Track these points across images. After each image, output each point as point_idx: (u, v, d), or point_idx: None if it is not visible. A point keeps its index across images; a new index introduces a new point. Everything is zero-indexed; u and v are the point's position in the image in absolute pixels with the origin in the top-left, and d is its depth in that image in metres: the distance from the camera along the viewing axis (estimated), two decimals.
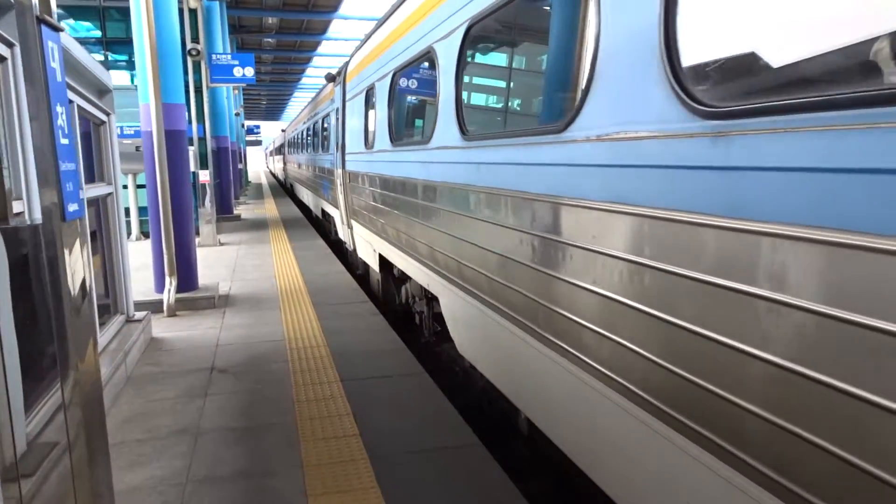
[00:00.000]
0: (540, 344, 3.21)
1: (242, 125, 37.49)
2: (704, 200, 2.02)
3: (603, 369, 2.68)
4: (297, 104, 61.81)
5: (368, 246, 8.18)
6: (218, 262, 10.89)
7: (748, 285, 1.88)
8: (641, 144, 2.35)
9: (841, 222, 1.58)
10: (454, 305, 4.67)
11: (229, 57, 12.82)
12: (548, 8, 3.60)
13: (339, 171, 10.11)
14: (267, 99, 61.30)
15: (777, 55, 1.94)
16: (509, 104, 4.49)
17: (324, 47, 36.22)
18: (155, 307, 7.32)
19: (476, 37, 4.18)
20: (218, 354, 5.76)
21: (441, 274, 4.87)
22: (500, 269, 3.63)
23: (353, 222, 9.20)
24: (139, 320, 6.01)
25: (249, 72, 12.87)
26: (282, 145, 35.55)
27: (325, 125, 12.74)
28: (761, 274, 1.83)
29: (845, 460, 1.61)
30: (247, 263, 10.67)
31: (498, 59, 4.60)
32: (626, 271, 2.46)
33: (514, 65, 4.35)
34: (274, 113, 76.88)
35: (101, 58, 14.14)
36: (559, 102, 3.20)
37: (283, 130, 38.82)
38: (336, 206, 11.08)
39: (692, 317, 2.12)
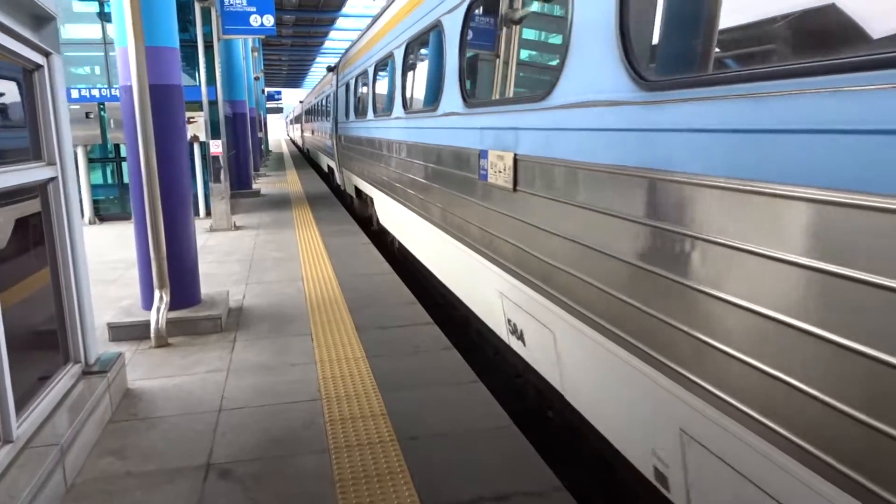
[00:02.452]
0: (414, 214, 6.84)
1: (263, 91, 35.36)
2: None
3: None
4: (320, 70, 59.34)
5: (349, 181, 13.18)
6: (230, 253, 8.85)
7: None
8: None
9: None
10: (379, 201, 9.28)
11: (245, 2, 10.63)
12: None
13: (334, 135, 15.13)
14: (288, 64, 58.94)
15: None
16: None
17: (349, 7, 33.76)
18: (140, 332, 5.31)
19: None
20: (220, 429, 3.72)
21: (374, 186, 9.41)
22: (398, 179, 7.57)
23: (343, 168, 14.09)
24: (103, 372, 3.97)
25: (269, 20, 10.69)
26: (300, 115, 40.75)
27: (328, 102, 17.50)
28: None
29: None
30: (266, 256, 8.63)
31: None
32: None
33: None
34: (296, 79, 74.47)
35: (96, 7, 12.04)
36: None
37: (300, 102, 43.28)
38: (333, 159, 16.08)
39: None
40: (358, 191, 11.91)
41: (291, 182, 19.79)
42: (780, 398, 1.91)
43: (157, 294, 5.28)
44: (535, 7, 4.35)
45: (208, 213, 12.17)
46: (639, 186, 2.51)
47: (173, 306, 5.46)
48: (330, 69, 16.29)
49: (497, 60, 4.39)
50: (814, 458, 1.82)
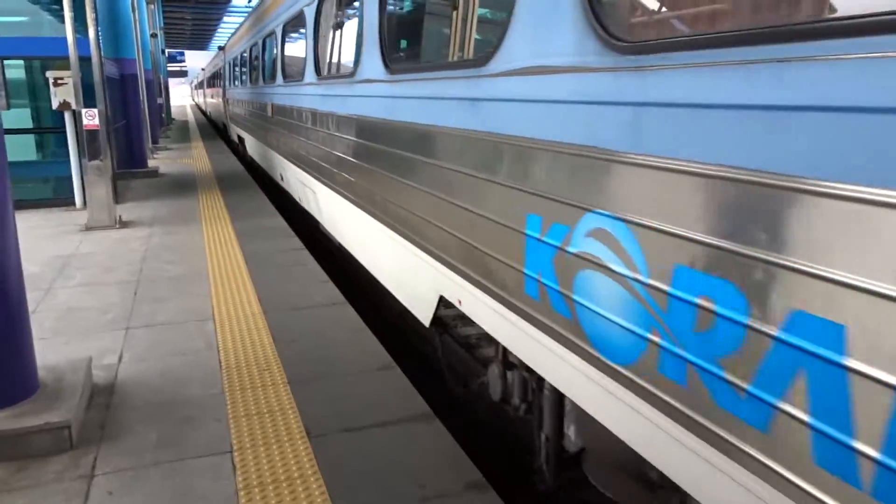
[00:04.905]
0: (259, 142, 11.85)
1: (163, 51, 31.51)
2: None
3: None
4: (227, 30, 54.75)
5: (234, 131, 17.91)
6: (109, 269, 6.34)
7: None
8: None
9: None
10: (248, 140, 13.94)
11: None
12: None
13: (223, 97, 21.17)
14: (193, 24, 54.02)
15: None
16: None
17: None
18: None
19: None
20: None
21: (242, 128, 14.90)
22: (255, 124, 12.25)
23: (230, 122, 19.37)
24: None
25: None
26: (202, 81, 44.76)
27: (220, 73, 22.90)
28: None
29: None
30: (161, 273, 6.21)
31: None
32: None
33: None
34: (202, 41, 68.94)
35: None
36: None
37: (202, 69, 46.63)
38: (224, 117, 21.86)
39: None
40: (239, 137, 16.71)
41: (198, 157, 16.92)
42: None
43: None
44: None
45: (83, 204, 9.47)
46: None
47: None
48: (220, 48, 23.68)
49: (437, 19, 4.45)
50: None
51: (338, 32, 5.86)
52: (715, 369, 1.73)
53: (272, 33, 9.44)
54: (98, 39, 8.53)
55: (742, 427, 1.66)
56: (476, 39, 3.27)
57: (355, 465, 2.99)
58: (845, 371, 1.40)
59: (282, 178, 9.53)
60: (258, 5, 12.07)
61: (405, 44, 4.77)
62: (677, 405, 1.87)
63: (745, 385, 1.65)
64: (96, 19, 8.46)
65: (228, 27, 53.47)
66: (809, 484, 1.51)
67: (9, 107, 9.55)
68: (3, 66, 9.24)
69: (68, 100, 8.99)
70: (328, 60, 6.14)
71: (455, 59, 3.44)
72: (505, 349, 3.18)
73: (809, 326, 1.47)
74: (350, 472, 2.94)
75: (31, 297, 5.50)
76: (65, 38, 8.46)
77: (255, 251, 6.93)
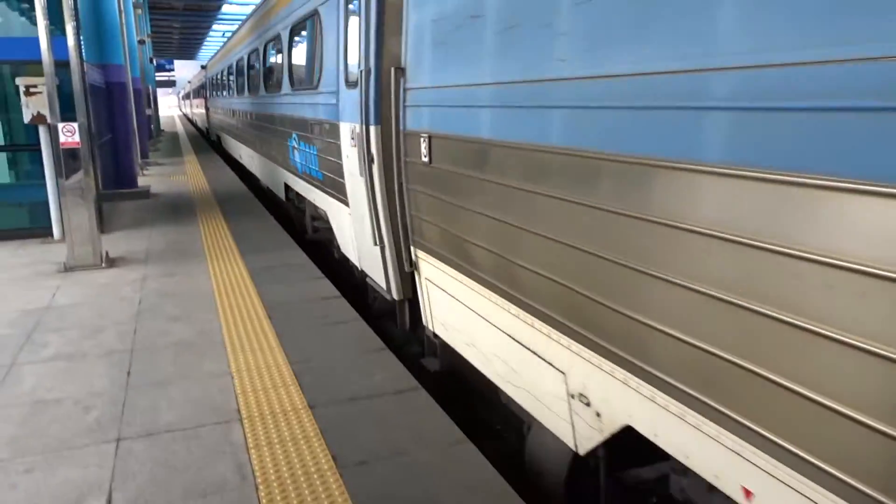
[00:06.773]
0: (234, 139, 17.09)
1: (151, 59, 29.97)
2: None
3: None
4: (216, 42, 53.18)
5: (213, 132, 23.92)
6: (93, 336, 4.83)
7: None
8: None
9: None
10: (224, 139, 20.15)
11: None
12: None
13: (206, 106, 25.91)
14: (181, 32, 52.44)
15: None
16: None
17: None
18: None
19: None
20: None
21: (222, 132, 20.46)
22: (226, 123, 18.70)
23: (210, 126, 25.07)
24: None
25: None
26: (189, 92, 47.74)
27: (204, 86, 27.02)
28: None
29: None
30: (160, 342, 4.72)
31: None
32: None
33: None
34: (190, 50, 67.31)
35: None
36: None
37: (189, 82, 48.95)
38: (207, 122, 26.62)
39: None
40: (218, 136, 20.89)
41: (192, 173, 15.41)
42: None
43: None
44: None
45: (55, 234, 7.99)
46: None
47: None
48: (203, 67, 28.49)
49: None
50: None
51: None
52: (304, 163, 7.18)
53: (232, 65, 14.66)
54: (78, 39, 7.04)
55: (300, 175, 7.63)
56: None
57: None
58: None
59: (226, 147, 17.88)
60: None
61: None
62: (307, 178, 7.17)
63: (309, 165, 6.89)
64: (76, 15, 6.98)
65: (216, 38, 51.95)
66: (302, 180, 7.58)
67: None
68: None
69: (42, 112, 7.53)
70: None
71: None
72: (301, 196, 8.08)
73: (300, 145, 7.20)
74: None
75: None
76: (37, 39, 6.98)
77: (279, 301, 5.48)
